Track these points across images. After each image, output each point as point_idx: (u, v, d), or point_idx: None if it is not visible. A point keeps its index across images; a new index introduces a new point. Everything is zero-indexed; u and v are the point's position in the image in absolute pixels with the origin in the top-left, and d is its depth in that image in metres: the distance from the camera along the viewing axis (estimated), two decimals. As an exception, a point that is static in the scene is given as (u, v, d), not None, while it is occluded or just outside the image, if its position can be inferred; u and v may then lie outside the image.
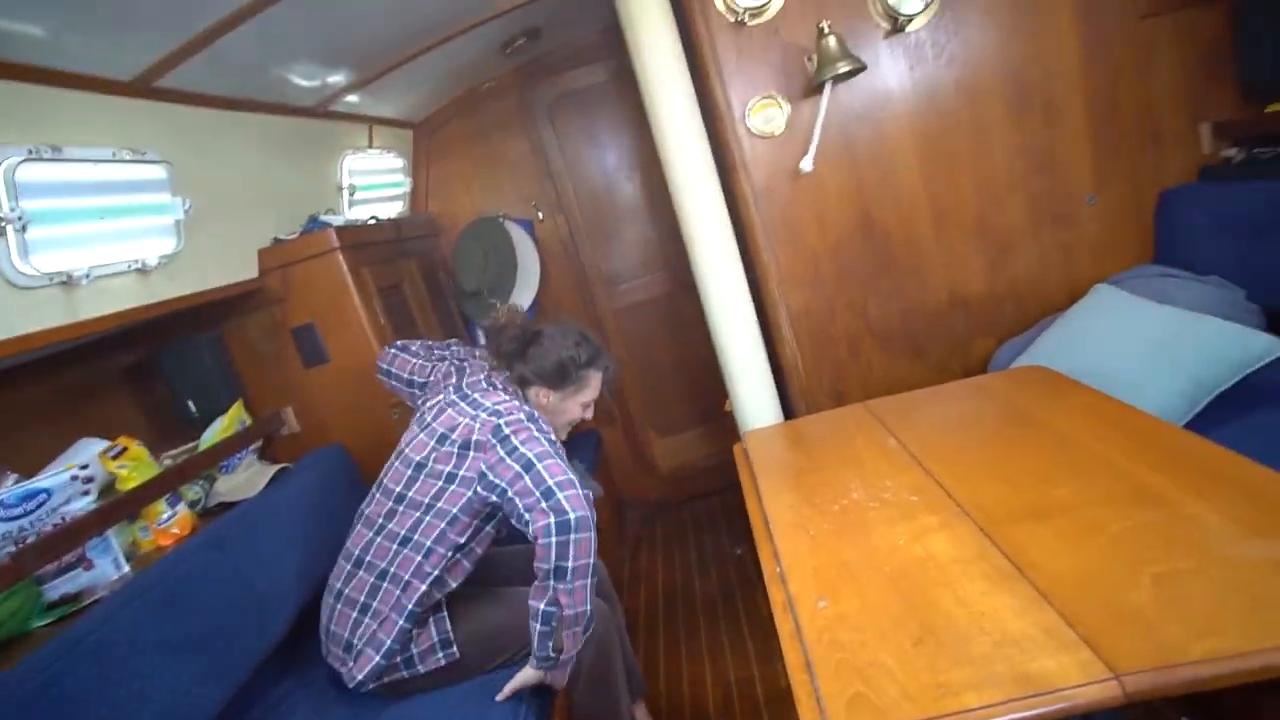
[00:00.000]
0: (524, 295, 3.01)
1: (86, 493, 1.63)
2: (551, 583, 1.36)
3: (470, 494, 1.51)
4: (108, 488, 1.74)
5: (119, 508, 1.66)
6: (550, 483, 1.38)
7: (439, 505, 1.53)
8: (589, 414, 1.76)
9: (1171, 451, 1.18)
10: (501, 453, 1.46)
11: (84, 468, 1.62)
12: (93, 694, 1.24)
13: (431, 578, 1.54)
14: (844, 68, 1.95)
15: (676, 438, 3.49)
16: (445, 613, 1.60)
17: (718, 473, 3.43)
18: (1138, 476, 1.12)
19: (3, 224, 1.37)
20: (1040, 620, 0.88)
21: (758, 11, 2.08)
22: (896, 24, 2.07)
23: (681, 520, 3.33)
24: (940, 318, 2.24)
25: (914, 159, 2.15)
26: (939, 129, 2.13)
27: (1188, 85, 2.10)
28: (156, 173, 1.77)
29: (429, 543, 1.53)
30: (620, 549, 3.05)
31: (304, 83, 2.25)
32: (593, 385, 1.72)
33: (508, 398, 1.60)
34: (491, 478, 1.46)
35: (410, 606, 1.53)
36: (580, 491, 1.39)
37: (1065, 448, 1.27)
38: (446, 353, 1.91)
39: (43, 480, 1.56)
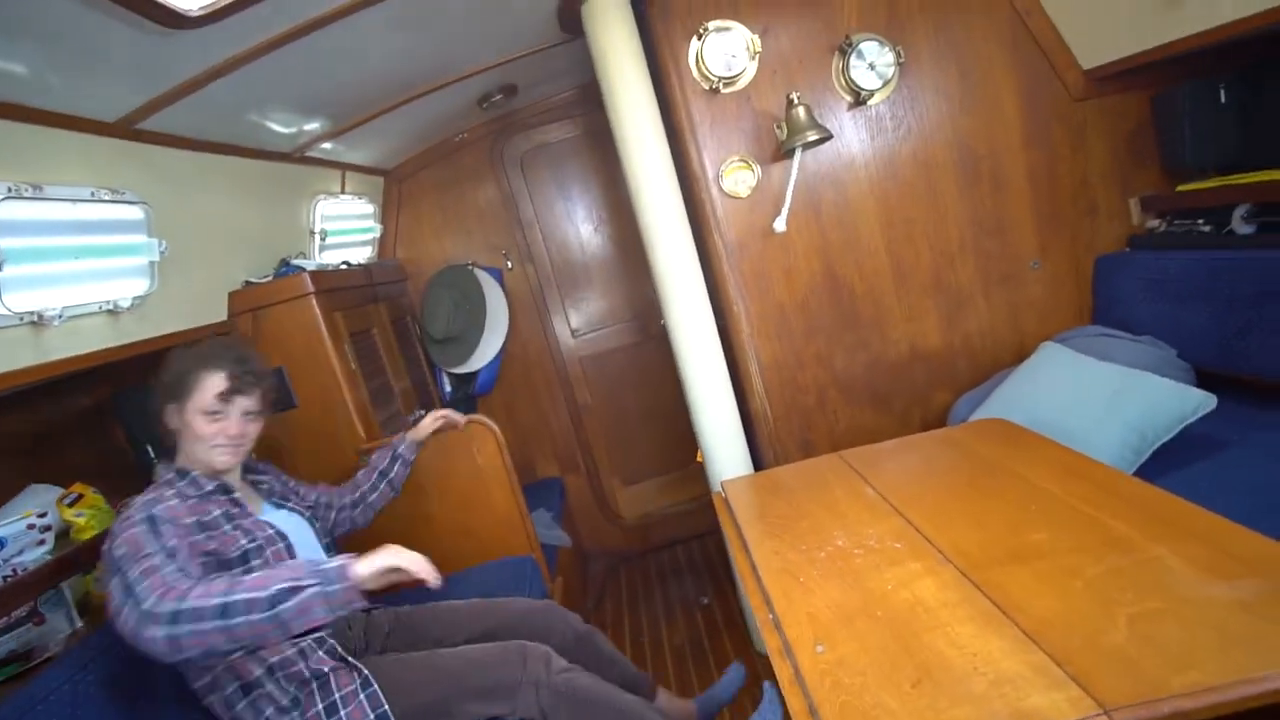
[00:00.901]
0: (492, 343, 3.02)
1: (42, 542, 1.56)
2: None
3: None
4: (62, 537, 1.65)
5: (76, 559, 1.58)
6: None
7: None
8: (227, 425, 1.51)
9: (1129, 500, 1.27)
10: None
11: (42, 516, 1.55)
12: (53, 759, 1.17)
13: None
14: (812, 136, 2.09)
15: (641, 486, 3.50)
16: (375, 686, 1.47)
17: (682, 521, 3.46)
18: (1103, 524, 1.20)
19: (-22, 263, 1.34)
20: (1030, 660, 0.93)
21: (731, 81, 2.20)
22: (859, 98, 2.22)
23: (646, 570, 3.32)
24: (902, 370, 2.35)
25: (875, 221, 2.29)
26: (898, 194, 2.28)
27: (1117, 163, 2.31)
28: (134, 213, 1.75)
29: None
30: (584, 599, 3.01)
31: (281, 129, 2.26)
32: (201, 389, 1.49)
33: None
34: None
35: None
36: (134, 626, 1.18)
37: (1033, 496, 1.35)
38: None
39: (-4, 529, 1.48)
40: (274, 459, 2.21)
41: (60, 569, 1.53)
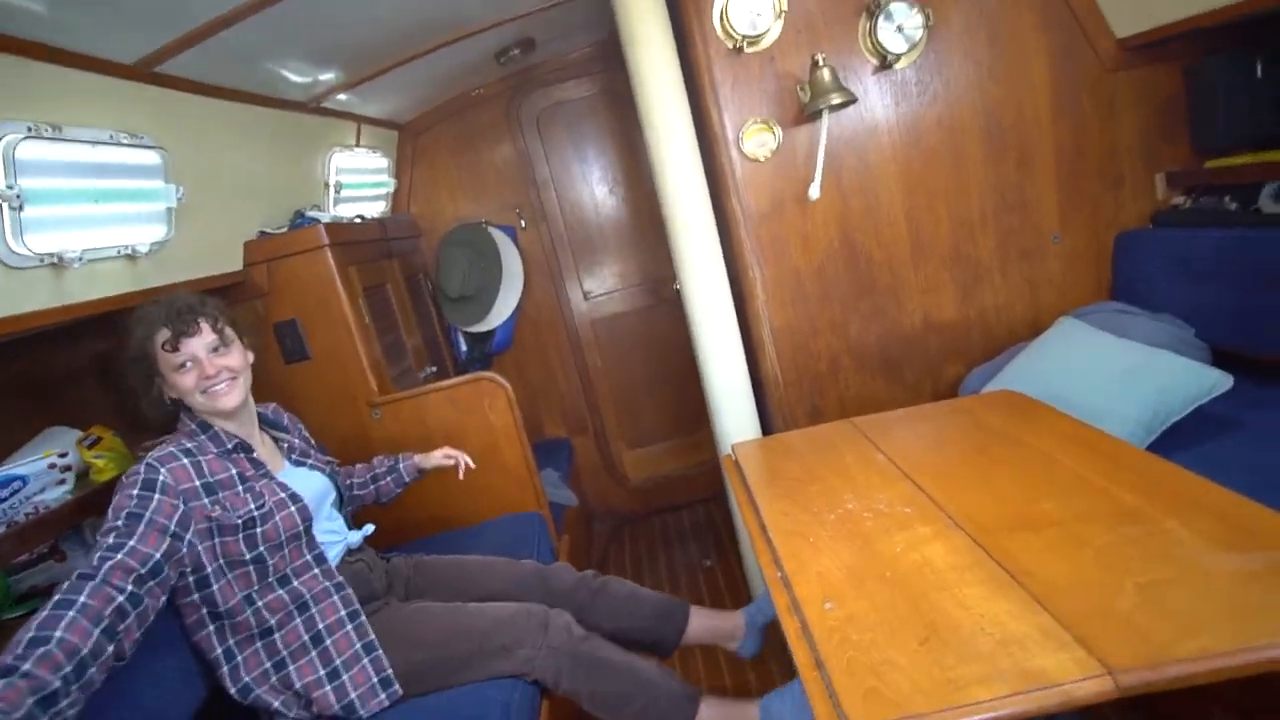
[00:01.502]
0: (508, 301, 3.02)
1: (63, 482, 1.58)
2: None
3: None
4: (81, 478, 1.68)
5: (96, 499, 1.60)
6: None
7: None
8: (205, 370, 1.48)
9: (1142, 473, 1.27)
10: None
11: (62, 456, 1.57)
12: (76, 688, 1.20)
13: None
14: (836, 99, 2.05)
15: (647, 450, 3.53)
16: (379, 651, 1.51)
17: (686, 486, 3.49)
18: (1114, 495, 1.21)
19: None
20: (1037, 623, 0.94)
21: (755, 40, 2.16)
22: (885, 61, 2.18)
23: (650, 532, 3.37)
24: (915, 341, 2.34)
25: (896, 189, 2.26)
26: (920, 162, 2.25)
27: (1145, 137, 2.26)
28: (151, 158, 1.74)
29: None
30: (589, 558, 3.06)
31: (297, 78, 2.24)
32: (156, 353, 1.47)
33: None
34: None
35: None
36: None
37: (1045, 467, 1.36)
38: None
39: (19, 467, 1.51)
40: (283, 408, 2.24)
41: (80, 509, 1.56)
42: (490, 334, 3.08)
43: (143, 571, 1.24)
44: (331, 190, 2.61)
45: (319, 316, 2.22)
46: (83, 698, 1.09)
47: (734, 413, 2.31)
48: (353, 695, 1.46)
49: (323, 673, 1.47)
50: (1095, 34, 2.17)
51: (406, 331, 2.70)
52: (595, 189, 3.32)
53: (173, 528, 1.34)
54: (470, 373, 2.33)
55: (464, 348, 3.12)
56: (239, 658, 1.45)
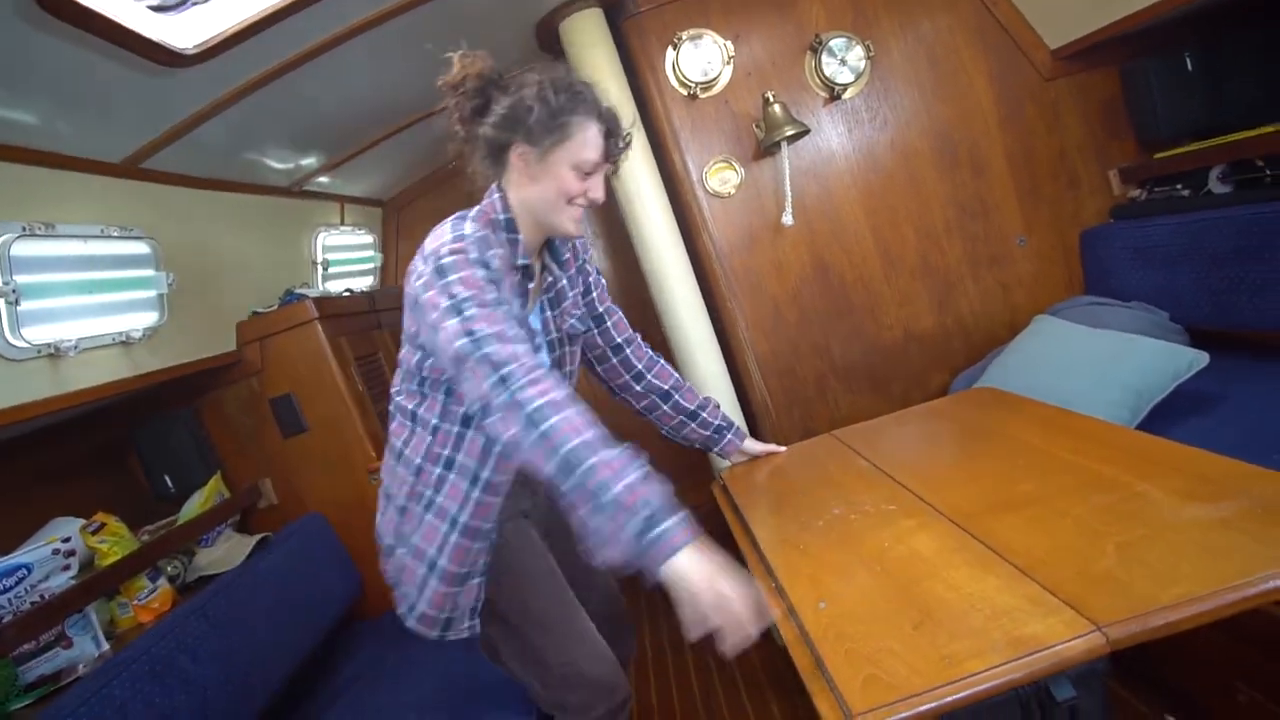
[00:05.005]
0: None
1: (67, 568, 1.60)
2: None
3: (410, 350, 1.31)
4: (86, 564, 1.70)
5: (100, 583, 1.62)
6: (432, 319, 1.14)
7: (402, 368, 1.36)
8: (593, 190, 1.28)
9: (1114, 446, 1.30)
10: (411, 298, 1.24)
11: (65, 541, 1.59)
12: (84, 769, 1.20)
13: (442, 459, 1.30)
14: (790, 131, 2.15)
15: (652, 495, 3.51)
16: (482, 601, 1.35)
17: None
18: (1089, 468, 1.22)
19: (-3, 298, 1.40)
20: (1025, 592, 0.95)
21: (708, 86, 2.28)
22: (834, 92, 2.29)
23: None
24: (897, 353, 2.38)
25: (860, 210, 2.34)
26: (880, 183, 2.34)
27: (1093, 137, 2.36)
28: (141, 248, 1.82)
29: (412, 407, 1.33)
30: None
31: (278, 165, 2.35)
32: (580, 139, 1.24)
33: (445, 227, 1.28)
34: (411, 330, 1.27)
35: (430, 494, 1.30)
36: (460, 323, 1.11)
37: (1022, 452, 1.38)
38: None
39: (23, 555, 1.53)
40: (283, 481, 2.27)
41: (86, 593, 1.57)
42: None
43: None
44: (319, 268, 2.70)
45: (313, 388, 2.27)
46: None
47: (729, 443, 2.32)
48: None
49: (433, 551, 1.30)
50: (1029, 47, 2.29)
51: (401, 398, 2.73)
52: (575, 244, 3.41)
53: None
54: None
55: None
56: (398, 468, 1.33)
